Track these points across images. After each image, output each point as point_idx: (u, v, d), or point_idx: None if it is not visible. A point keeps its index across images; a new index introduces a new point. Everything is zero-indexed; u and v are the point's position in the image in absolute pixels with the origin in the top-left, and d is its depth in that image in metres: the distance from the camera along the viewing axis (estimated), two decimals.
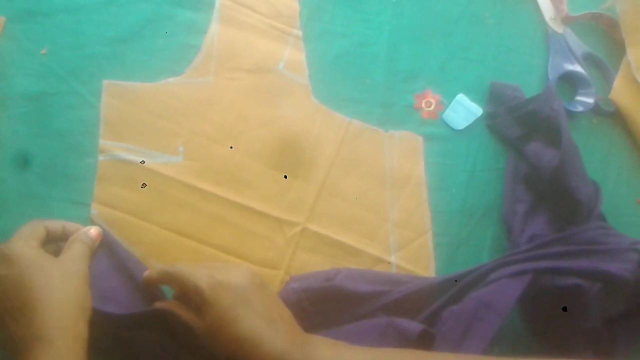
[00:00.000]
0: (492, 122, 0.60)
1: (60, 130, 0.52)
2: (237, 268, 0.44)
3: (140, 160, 0.52)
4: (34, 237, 0.44)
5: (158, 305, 0.45)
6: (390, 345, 0.46)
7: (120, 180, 0.51)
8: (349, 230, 0.55)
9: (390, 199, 0.56)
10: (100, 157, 0.51)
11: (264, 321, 0.41)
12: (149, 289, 0.48)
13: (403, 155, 0.58)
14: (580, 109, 0.62)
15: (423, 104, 0.60)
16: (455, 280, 0.50)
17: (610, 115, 0.64)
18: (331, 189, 0.55)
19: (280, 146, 0.55)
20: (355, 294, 0.50)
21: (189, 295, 0.43)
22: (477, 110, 0.59)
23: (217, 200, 0.52)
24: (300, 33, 0.59)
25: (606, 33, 0.68)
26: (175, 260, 0.50)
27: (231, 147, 0.54)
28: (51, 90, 0.52)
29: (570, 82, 0.64)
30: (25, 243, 0.43)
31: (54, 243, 0.47)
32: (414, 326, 0.47)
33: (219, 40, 0.57)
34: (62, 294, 0.41)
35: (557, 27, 0.66)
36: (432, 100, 0.60)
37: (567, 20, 0.66)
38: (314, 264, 0.53)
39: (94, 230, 0.47)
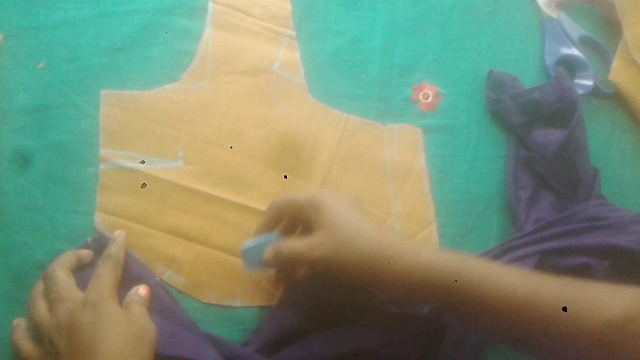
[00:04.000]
0: (495, 108, 0.60)
1: (61, 141, 0.52)
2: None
3: (140, 161, 0.52)
4: (114, 287, 0.45)
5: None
6: (398, 336, 0.46)
7: (122, 187, 0.52)
8: None
9: (393, 193, 0.56)
10: (102, 166, 0.52)
11: (375, 222, 0.43)
12: (163, 293, 0.48)
13: (403, 148, 0.58)
14: (579, 92, 0.62)
15: (420, 97, 0.60)
16: None
17: (611, 97, 0.63)
18: (332, 185, 0.55)
19: (280, 146, 0.56)
20: None
21: (301, 212, 0.45)
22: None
23: (218, 202, 0.53)
24: (294, 33, 0.60)
25: (601, 15, 0.67)
26: (181, 264, 0.50)
27: (231, 147, 0.54)
28: (50, 103, 0.53)
29: (568, 66, 0.64)
30: (109, 294, 0.43)
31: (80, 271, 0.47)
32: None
33: (213, 45, 0.58)
34: (133, 351, 0.41)
35: (552, 12, 0.66)
36: (430, 92, 0.60)
37: (561, 5, 0.66)
38: None
39: (142, 290, 0.46)
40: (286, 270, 0.48)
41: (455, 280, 0.40)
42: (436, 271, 0.40)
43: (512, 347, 0.44)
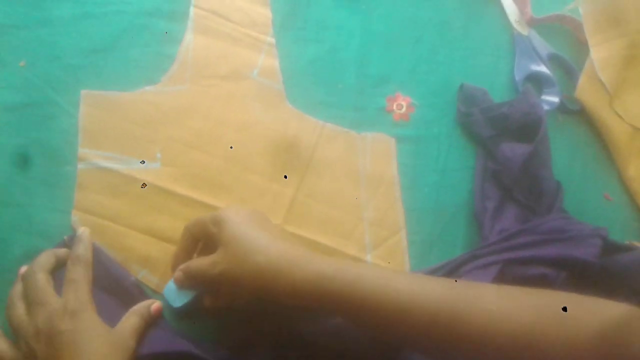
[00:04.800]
0: (465, 121, 0.62)
1: (40, 139, 0.53)
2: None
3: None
4: (89, 291, 0.46)
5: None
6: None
7: (99, 187, 0.52)
8: (326, 231, 0.56)
9: (365, 199, 0.58)
10: (80, 165, 0.53)
11: (272, 235, 0.45)
12: (138, 293, 0.49)
13: (376, 156, 0.60)
14: (546, 108, 0.64)
15: (394, 107, 0.62)
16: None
17: (576, 113, 0.66)
18: (307, 190, 0.57)
19: (257, 151, 0.57)
20: None
21: (208, 231, 0.46)
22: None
23: (195, 205, 0.54)
24: (273, 40, 0.61)
25: (570, 34, 0.70)
26: (156, 264, 0.51)
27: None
28: (30, 101, 0.53)
29: (536, 82, 0.67)
30: (86, 300, 0.44)
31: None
32: None
33: (194, 49, 0.59)
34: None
35: (522, 29, 0.68)
36: (403, 103, 0.62)
37: (532, 23, 0.69)
38: None
39: (155, 306, 0.48)
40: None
41: (348, 287, 0.41)
42: (329, 280, 0.41)
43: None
